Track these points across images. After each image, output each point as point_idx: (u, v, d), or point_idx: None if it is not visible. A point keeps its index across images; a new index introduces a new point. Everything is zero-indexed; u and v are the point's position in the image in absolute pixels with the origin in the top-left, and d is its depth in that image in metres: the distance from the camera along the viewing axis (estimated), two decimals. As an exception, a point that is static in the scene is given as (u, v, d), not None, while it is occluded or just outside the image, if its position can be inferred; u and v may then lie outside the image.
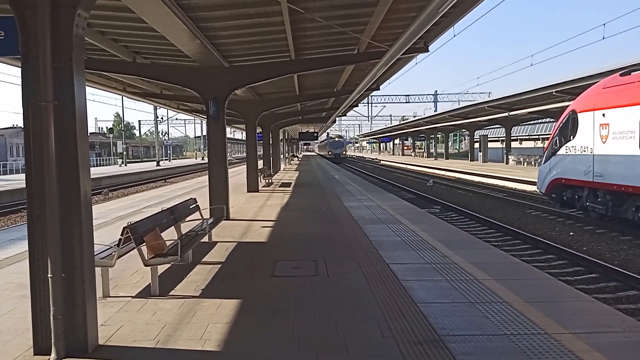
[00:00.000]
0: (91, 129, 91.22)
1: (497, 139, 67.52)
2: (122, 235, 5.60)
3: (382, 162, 71.22)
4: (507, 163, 46.23)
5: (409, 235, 9.17)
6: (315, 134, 53.93)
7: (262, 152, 27.11)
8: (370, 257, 7.51)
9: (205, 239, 8.67)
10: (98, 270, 4.90)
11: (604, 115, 12.94)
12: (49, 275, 4.00)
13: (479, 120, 46.86)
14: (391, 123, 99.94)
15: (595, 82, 15.36)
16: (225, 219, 11.14)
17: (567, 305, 5.13)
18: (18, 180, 28.95)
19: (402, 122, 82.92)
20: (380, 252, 7.83)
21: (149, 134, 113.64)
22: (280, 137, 39.73)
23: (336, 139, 72.56)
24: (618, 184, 12.20)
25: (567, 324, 4.56)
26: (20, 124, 4.19)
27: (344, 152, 70.67)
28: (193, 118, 71.18)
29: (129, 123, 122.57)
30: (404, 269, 6.74)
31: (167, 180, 38.72)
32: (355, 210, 12.80)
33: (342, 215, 11.97)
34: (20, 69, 4.06)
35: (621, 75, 13.10)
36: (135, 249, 5.80)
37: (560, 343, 4.15)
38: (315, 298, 5.57)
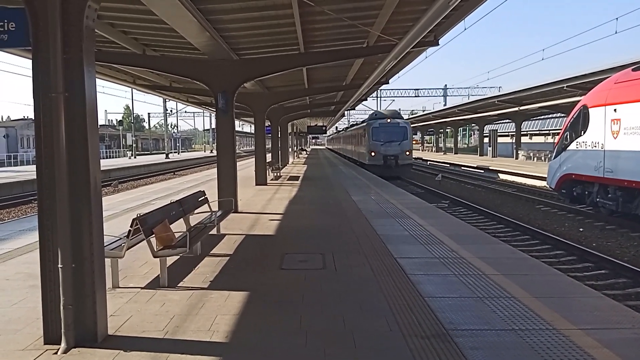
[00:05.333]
0: (101, 121, 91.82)
1: (506, 133, 67.17)
2: (131, 226, 5.63)
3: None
4: (516, 158, 45.93)
5: (417, 230, 9.15)
6: (323, 128, 49.04)
7: (270, 146, 27.13)
8: (378, 250, 7.51)
9: (214, 231, 8.71)
10: (108, 261, 4.92)
11: (615, 110, 12.81)
12: (59, 266, 4.03)
13: (489, 115, 46.57)
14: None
15: (607, 77, 15.21)
16: (233, 212, 11.18)
17: (576, 301, 5.10)
18: (29, 172, 29.21)
19: (411, 117, 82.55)
20: (388, 246, 7.82)
21: (158, 127, 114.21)
22: (289, 131, 39.71)
23: (388, 121, 29.85)
24: (629, 179, 12.09)
25: (576, 320, 4.54)
26: (31, 115, 4.23)
27: (408, 153, 29.37)
28: (202, 111, 71.48)
29: (139, 115, 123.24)
30: (412, 263, 6.73)
31: (176, 173, 38.91)
32: (363, 204, 12.79)
33: (350, 209, 11.97)
34: (31, 61, 4.08)
35: (633, 70, 12.95)
36: (145, 241, 5.83)
37: (568, 339, 4.13)
38: (322, 291, 5.58)
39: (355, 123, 51.92)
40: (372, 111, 35.03)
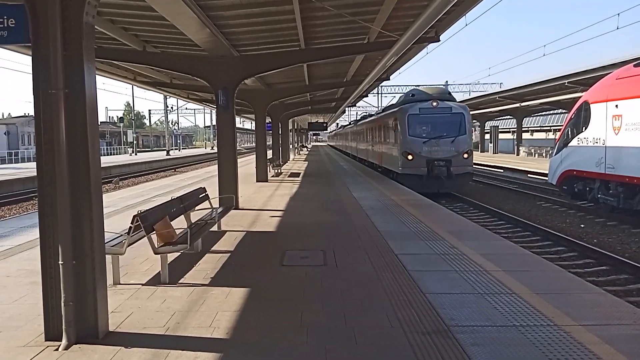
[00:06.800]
0: (102, 118, 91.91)
1: (507, 130, 67.03)
2: (132, 223, 5.63)
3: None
4: (517, 154, 45.91)
5: (417, 226, 9.15)
6: (324, 124, 48.63)
7: (271, 142, 27.13)
8: (379, 247, 7.51)
9: (215, 228, 8.71)
10: (108, 257, 4.93)
11: (617, 106, 12.78)
12: (60, 262, 4.04)
13: (490, 111, 46.52)
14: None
15: (609, 73, 15.17)
16: (234, 209, 11.17)
17: (577, 297, 5.09)
18: (30, 169, 29.23)
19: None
20: (388, 242, 7.82)
21: (159, 124, 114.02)
22: (290, 127, 39.67)
23: (435, 104, 18.85)
24: (630, 175, 12.07)
25: (577, 316, 4.53)
26: (32, 112, 4.20)
27: (467, 155, 18.45)
28: (203, 108, 71.35)
29: (139, 112, 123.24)
30: (413, 259, 6.72)
31: (176, 170, 38.91)
32: (364, 201, 12.78)
33: (351, 206, 11.96)
34: (31, 57, 4.07)
35: (635, 65, 12.91)
36: (146, 237, 5.84)
37: (569, 335, 4.13)
38: (323, 288, 5.58)
39: (365, 115, 38.02)
40: (408, 91, 21.89)
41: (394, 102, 27.75)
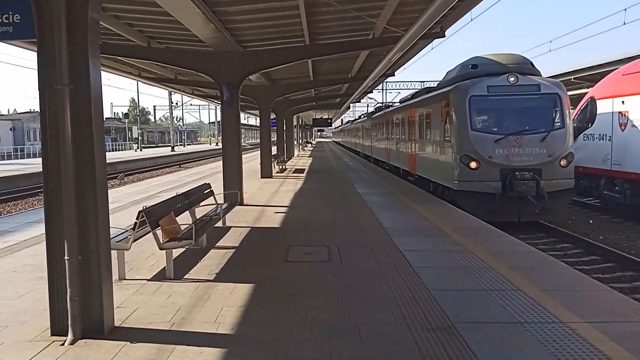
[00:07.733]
0: (107, 113, 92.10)
1: (513, 126, 66.57)
2: (137, 219, 5.64)
3: None
4: (522, 151, 45.59)
5: (422, 223, 9.13)
6: (329, 120, 47.07)
7: (275, 138, 27.15)
8: (383, 243, 7.50)
9: (219, 223, 8.71)
10: (114, 253, 4.95)
11: (623, 102, 12.70)
12: (66, 258, 4.05)
13: (495, 107, 46.11)
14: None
15: (615, 69, 15.09)
16: (239, 205, 11.19)
17: (583, 294, 5.07)
18: (35, 164, 29.34)
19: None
20: (393, 239, 7.80)
21: (164, 120, 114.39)
22: (294, 123, 39.65)
23: (512, 79, 11.90)
24: (637, 172, 12.00)
25: (583, 313, 4.51)
26: (38, 108, 4.21)
27: (565, 162, 11.57)
28: (207, 104, 71.47)
29: (144, 108, 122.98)
30: (417, 255, 6.71)
31: (181, 166, 39.00)
32: (368, 197, 12.77)
33: (355, 202, 11.95)
34: (36, 53, 4.07)
35: (642, 61, 12.84)
36: (151, 233, 5.85)
37: (575, 332, 4.11)
38: (327, 284, 5.57)
39: (381, 106, 29.86)
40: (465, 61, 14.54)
41: (397, 99, 24.13)
